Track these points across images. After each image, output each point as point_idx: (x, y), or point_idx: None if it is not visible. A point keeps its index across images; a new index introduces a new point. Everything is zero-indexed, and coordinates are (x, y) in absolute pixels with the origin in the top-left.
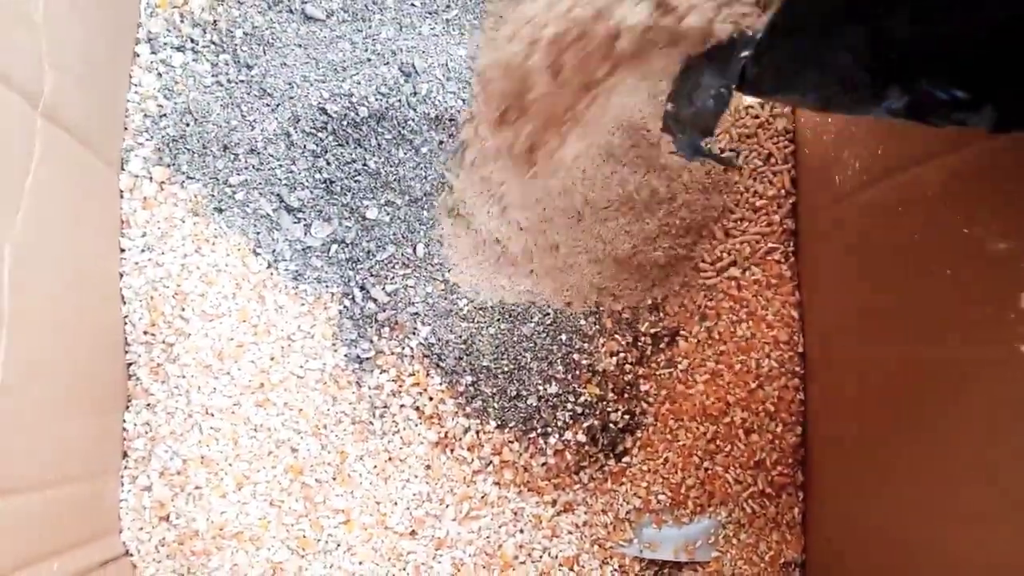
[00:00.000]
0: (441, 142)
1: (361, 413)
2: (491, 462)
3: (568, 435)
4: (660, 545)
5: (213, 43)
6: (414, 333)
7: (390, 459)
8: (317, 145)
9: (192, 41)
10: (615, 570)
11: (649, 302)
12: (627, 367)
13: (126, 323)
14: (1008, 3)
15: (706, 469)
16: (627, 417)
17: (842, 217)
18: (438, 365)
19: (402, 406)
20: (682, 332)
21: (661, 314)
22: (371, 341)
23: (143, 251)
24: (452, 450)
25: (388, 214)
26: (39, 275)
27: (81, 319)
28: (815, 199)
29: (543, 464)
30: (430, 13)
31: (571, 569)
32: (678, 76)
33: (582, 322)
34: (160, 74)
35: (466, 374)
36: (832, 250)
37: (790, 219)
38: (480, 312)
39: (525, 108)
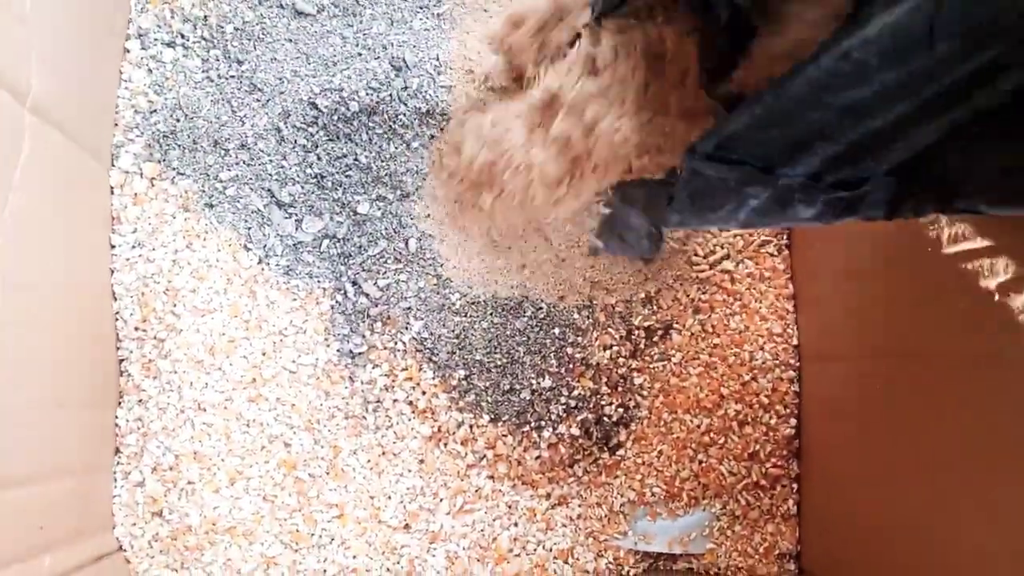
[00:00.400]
0: (432, 136)
1: (354, 408)
2: (485, 456)
3: (562, 428)
4: (655, 537)
5: (203, 38)
6: (407, 328)
7: (383, 453)
8: (308, 140)
9: (182, 36)
10: (610, 563)
11: (642, 295)
12: (621, 360)
13: (117, 319)
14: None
15: (700, 461)
16: (621, 410)
17: None
18: (431, 359)
19: (395, 400)
20: (675, 325)
21: (654, 307)
22: (363, 336)
23: (134, 247)
24: (446, 444)
25: (380, 209)
26: (28, 271)
27: (71, 315)
28: None
29: (537, 458)
30: (421, 7)
31: (566, 562)
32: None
33: (575, 316)
34: (150, 70)
35: (459, 368)
36: (825, 242)
37: None
38: (473, 306)
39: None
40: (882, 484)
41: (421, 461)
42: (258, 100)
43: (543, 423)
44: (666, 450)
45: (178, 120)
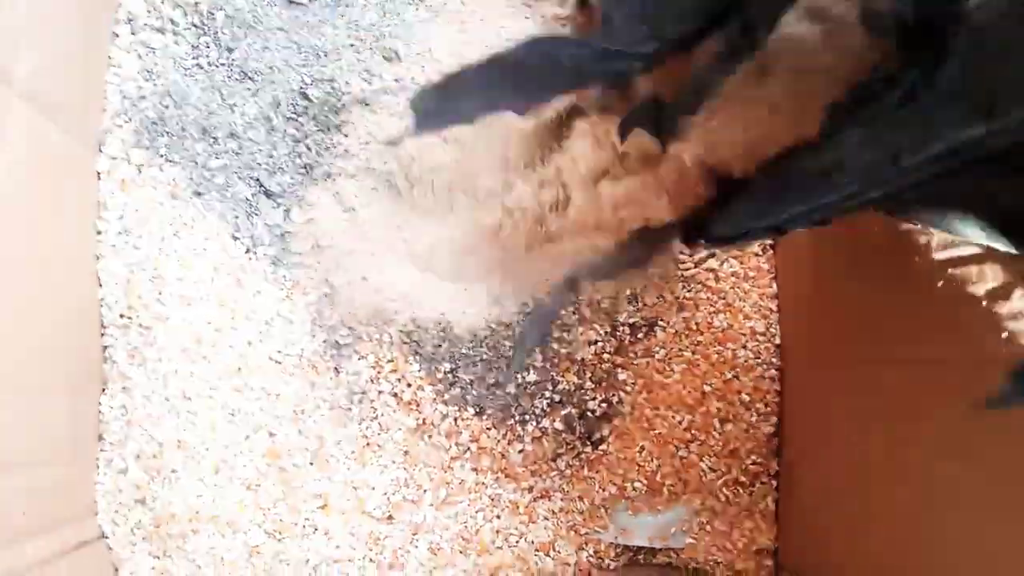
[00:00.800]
0: None
1: (339, 399)
2: (469, 449)
3: (546, 423)
4: (635, 531)
5: (194, 25)
6: (393, 320)
7: (368, 445)
8: (298, 130)
9: (173, 23)
10: (591, 556)
11: (628, 292)
12: (605, 356)
13: (103, 306)
14: None
15: (681, 457)
16: (604, 405)
17: None
18: (417, 352)
19: (380, 392)
20: (660, 322)
21: (639, 304)
22: (350, 327)
23: (120, 234)
24: (430, 436)
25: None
26: (12, 256)
27: (56, 301)
28: None
29: (520, 451)
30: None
31: (547, 554)
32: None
33: (561, 310)
34: (140, 56)
35: (445, 361)
36: (811, 243)
37: None
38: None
39: None
40: (860, 483)
41: (405, 453)
42: (248, 89)
43: (527, 417)
44: (648, 445)
45: (167, 107)
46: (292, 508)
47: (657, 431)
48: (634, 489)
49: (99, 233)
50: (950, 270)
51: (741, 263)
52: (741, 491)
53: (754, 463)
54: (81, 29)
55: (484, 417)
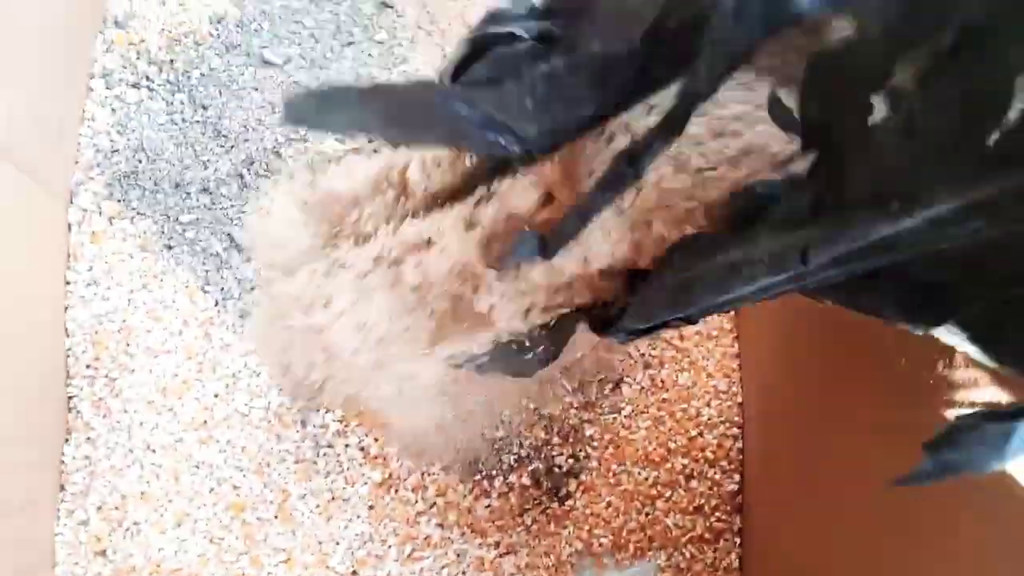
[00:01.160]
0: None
1: (305, 452)
2: (435, 503)
3: (513, 478)
4: None
5: (169, 82)
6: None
7: (333, 498)
8: (272, 189)
9: (148, 79)
10: None
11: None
12: (572, 411)
13: (69, 356)
14: None
15: (647, 513)
16: (571, 461)
17: None
18: (384, 406)
19: (347, 446)
20: (626, 379)
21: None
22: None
23: (89, 285)
24: (396, 491)
25: None
26: None
27: (23, 351)
28: None
29: (487, 506)
30: (387, 65)
31: None
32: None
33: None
34: (114, 110)
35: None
36: (770, 305)
37: None
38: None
39: None
40: (820, 540)
41: (371, 507)
42: (222, 146)
43: (494, 472)
44: (614, 501)
45: (140, 161)
46: (255, 562)
47: (623, 487)
48: (600, 545)
49: (68, 284)
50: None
51: (705, 323)
52: (706, 548)
53: (718, 520)
54: (56, 82)
55: (451, 472)
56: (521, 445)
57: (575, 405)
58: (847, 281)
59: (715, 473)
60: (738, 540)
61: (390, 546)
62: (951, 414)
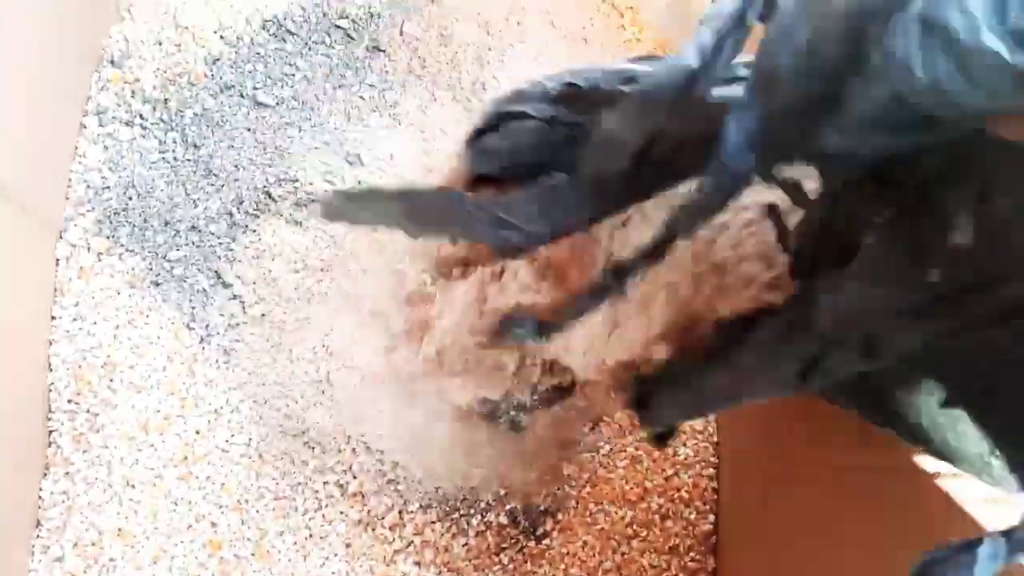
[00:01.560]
0: None
1: (284, 489)
2: (412, 542)
3: (491, 516)
4: None
5: (162, 120)
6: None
7: (311, 536)
8: (260, 227)
9: (141, 117)
10: None
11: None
12: (551, 450)
13: (51, 391)
14: None
15: (623, 553)
16: (549, 499)
17: None
18: (365, 444)
19: (326, 483)
20: (605, 418)
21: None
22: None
23: (75, 320)
24: (374, 529)
25: None
26: None
27: (3, 383)
28: None
29: (464, 545)
30: (377, 106)
31: None
32: None
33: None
34: (106, 147)
35: (394, 453)
36: None
37: None
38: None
39: None
40: None
41: (348, 545)
42: (212, 185)
43: (472, 510)
44: (590, 540)
45: (131, 198)
46: None
47: (600, 526)
48: None
49: (53, 318)
50: None
51: None
52: None
53: (693, 560)
54: (50, 117)
55: (429, 510)
56: (500, 483)
57: (554, 443)
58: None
59: (690, 513)
60: None
61: None
62: (916, 458)
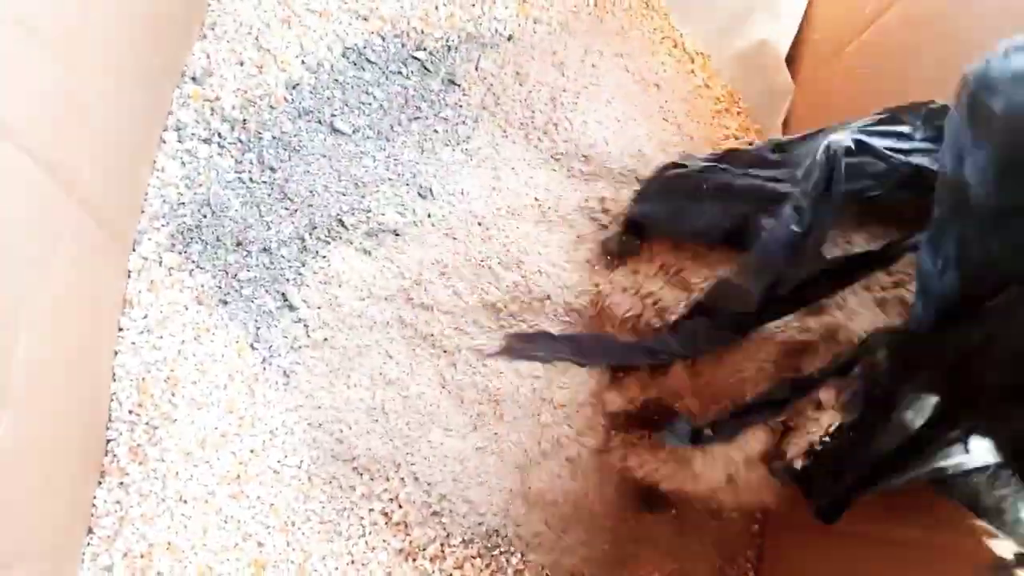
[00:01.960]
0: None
1: (329, 513)
2: (452, 575)
3: (531, 556)
4: None
5: (240, 141)
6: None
7: (352, 562)
8: (330, 253)
9: (220, 136)
10: None
11: None
12: None
13: (113, 400)
14: None
15: None
16: None
17: None
18: (414, 475)
19: (371, 510)
20: None
21: None
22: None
23: (142, 332)
24: (415, 559)
25: None
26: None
27: (69, 392)
28: None
29: None
30: (451, 141)
31: None
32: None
33: None
34: (184, 163)
35: (439, 485)
36: None
37: None
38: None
39: None
40: None
41: (389, 574)
42: (287, 208)
43: (512, 548)
44: None
45: (205, 216)
46: None
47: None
48: None
49: (121, 329)
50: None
51: None
52: None
53: None
54: (131, 131)
55: (470, 546)
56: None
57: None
58: None
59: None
60: None
61: None
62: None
